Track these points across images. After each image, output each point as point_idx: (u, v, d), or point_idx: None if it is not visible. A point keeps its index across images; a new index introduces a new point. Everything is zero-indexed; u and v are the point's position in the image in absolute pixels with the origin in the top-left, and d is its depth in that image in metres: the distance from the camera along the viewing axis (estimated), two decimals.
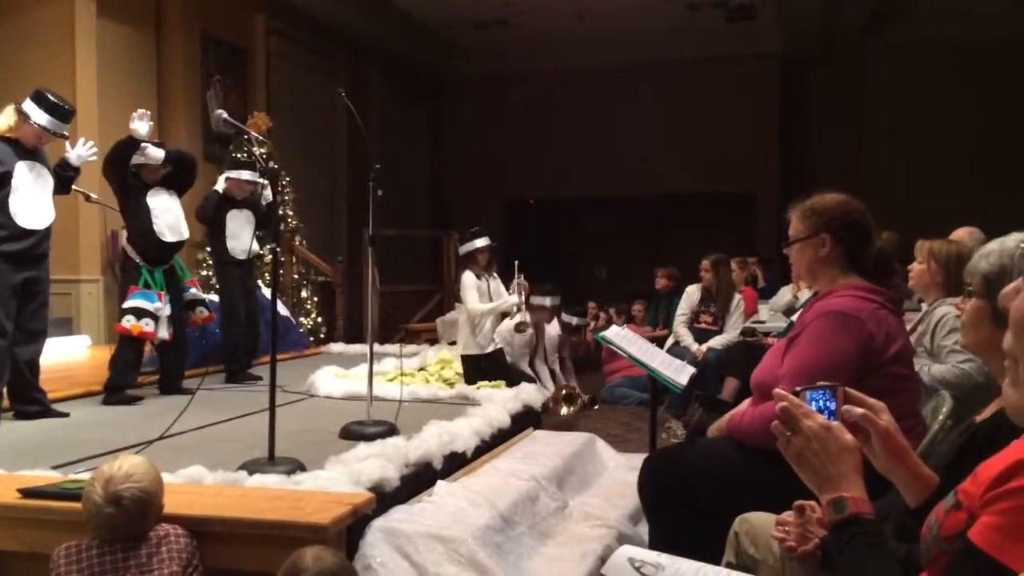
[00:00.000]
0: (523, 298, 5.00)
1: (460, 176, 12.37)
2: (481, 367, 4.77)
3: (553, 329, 5.68)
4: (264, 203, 5.10)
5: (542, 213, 12.05)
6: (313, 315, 7.73)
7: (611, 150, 11.65)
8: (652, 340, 3.59)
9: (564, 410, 4.57)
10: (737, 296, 5.68)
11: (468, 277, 4.90)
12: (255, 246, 5.22)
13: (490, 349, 4.96)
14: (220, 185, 5.19)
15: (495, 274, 5.11)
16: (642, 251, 11.65)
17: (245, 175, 5.16)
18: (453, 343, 5.70)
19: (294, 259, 7.68)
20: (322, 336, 7.69)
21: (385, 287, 8.50)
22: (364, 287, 7.72)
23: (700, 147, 11.26)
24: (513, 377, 4.78)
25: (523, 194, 12.14)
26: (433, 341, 7.15)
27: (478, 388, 4.46)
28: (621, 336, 3.02)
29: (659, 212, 12.04)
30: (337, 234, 10.10)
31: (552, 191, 12.10)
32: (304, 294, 7.73)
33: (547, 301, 5.69)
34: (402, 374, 4.71)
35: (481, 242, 4.98)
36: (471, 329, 4.94)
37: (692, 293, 5.71)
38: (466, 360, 4.81)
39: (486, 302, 5.00)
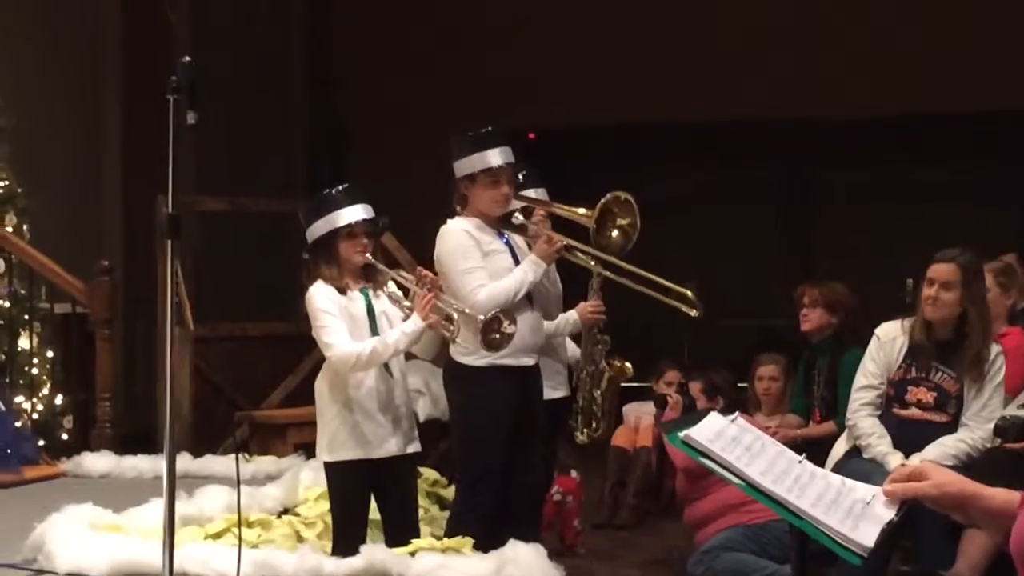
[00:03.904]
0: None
1: (377, 91, 12.25)
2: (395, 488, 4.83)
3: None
4: None
5: (557, 161, 11.20)
6: (45, 390, 7.59)
7: (696, 34, 11.66)
8: (803, 445, 3.53)
9: None
10: (995, 347, 5.41)
11: (319, 295, 4.75)
12: None
13: (387, 453, 4.83)
14: None
15: (389, 288, 4.94)
16: (770, 244, 11.74)
17: None
18: None
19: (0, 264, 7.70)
20: (64, 437, 7.56)
21: (208, 327, 8.34)
22: (159, 327, 7.34)
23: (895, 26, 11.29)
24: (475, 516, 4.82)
25: (517, 124, 11.92)
26: (315, 448, 7.11)
27: (412, 553, 4.45)
28: (727, 439, 2.70)
29: (804, 160, 12.04)
30: (98, 211, 9.99)
31: (577, 117, 11.83)
32: (24, 343, 7.53)
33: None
34: (242, 523, 4.63)
35: (352, 215, 4.77)
36: (341, 403, 4.81)
37: (889, 341, 5.55)
38: (338, 476, 4.82)
39: (364, 338, 4.82)
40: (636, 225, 5.18)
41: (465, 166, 5.02)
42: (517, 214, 5.22)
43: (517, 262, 5.14)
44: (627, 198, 5.18)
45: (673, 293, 5.43)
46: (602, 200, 5.19)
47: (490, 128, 5.14)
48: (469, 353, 4.93)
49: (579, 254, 5.39)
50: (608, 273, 5.39)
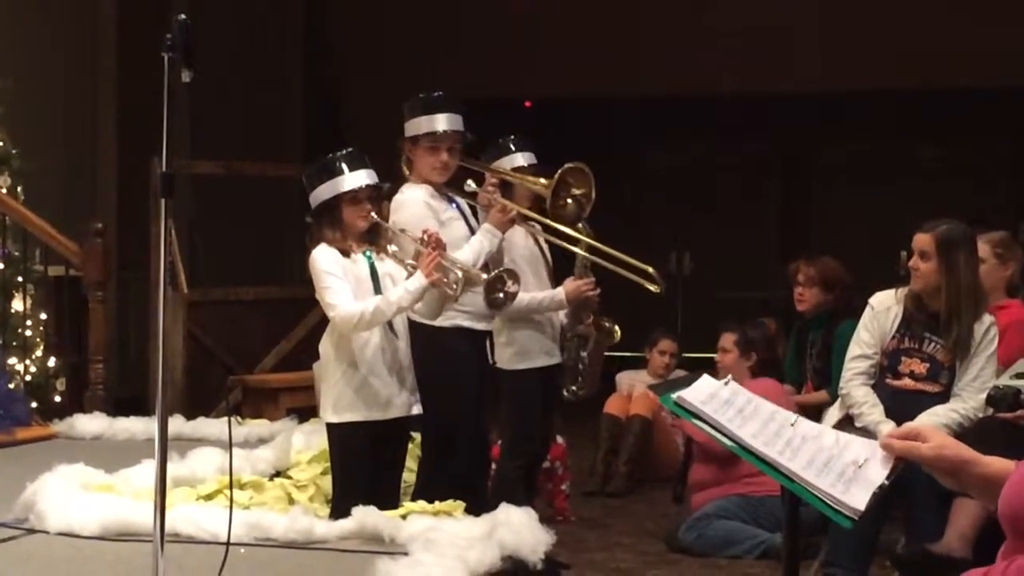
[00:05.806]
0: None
1: (375, 57, 12.33)
2: (390, 448, 4.80)
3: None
4: None
5: (553, 130, 11.51)
6: (38, 352, 7.61)
7: (697, 7, 11.91)
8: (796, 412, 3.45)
9: None
10: (987, 318, 5.39)
11: (322, 257, 4.74)
12: None
13: (393, 414, 4.81)
14: None
15: (391, 249, 4.92)
16: (768, 217, 12.24)
17: None
18: None
19: None
20: (57, 399, 7.57)
21: (201, 292, 8.43)
22: (152, 291, 7.58)
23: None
24: (470, 477, 4.95)
25: (512, 93, 12.06)
26: (307, 412, 6.92)
27: (403, 516, 4.48)
28: (720, 402, 2.74)
29: (802, 134, 12.30)
30: (93, 174, 10.07)
31: (575, 87, 11.90)
32: (17, 305, 7.53)
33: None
34: (234, 485, 4.65)
35: (355, 180, 4.76)
36: (347, 364, 4.81)
37: (883, 310, 5.52)
38: (342, 437, 4.79)
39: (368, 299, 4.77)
40: (590, 196, 5.23)
41: (411, 128, 5.09)
42: (470, 181, 5.24)
43: (471, 228, 5.16)
44: (581, 167, 5.24)
45: (635, 269, 5.41)
46: (559, 170, 5.17)
47: (442, 93, 5.15)
48: None
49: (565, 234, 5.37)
50: (594, 257, 5.41)
